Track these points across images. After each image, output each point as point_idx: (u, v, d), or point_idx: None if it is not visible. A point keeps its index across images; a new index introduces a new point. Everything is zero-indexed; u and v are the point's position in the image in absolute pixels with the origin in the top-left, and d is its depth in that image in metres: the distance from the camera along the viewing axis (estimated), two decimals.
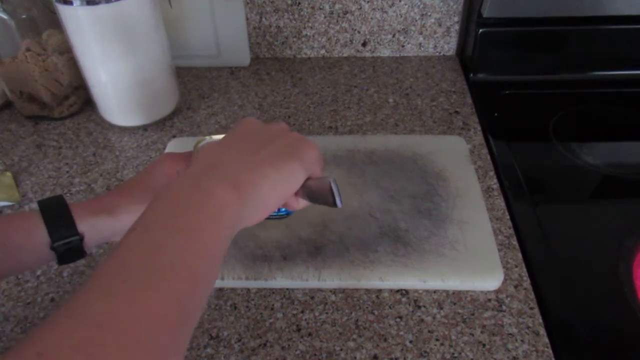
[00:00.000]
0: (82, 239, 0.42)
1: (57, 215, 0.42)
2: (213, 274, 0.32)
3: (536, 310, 0.49)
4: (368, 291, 0.51)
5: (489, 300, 0.50)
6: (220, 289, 0.52)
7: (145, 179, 0.47)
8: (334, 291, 0.51)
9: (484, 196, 0.60)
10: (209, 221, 0.31)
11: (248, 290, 0.52)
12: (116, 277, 0.27)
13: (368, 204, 0.58)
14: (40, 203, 0.43)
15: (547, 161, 0.68)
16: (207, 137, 0.51)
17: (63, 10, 0.64)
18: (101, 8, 0.63)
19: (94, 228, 0.43)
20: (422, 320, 0.48)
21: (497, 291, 0.51)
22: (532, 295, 0.50)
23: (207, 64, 0.90)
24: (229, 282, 0.52)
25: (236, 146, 0.37)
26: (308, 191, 0.39)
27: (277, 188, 0.36)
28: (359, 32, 0.88)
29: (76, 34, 0.66)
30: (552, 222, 0.58)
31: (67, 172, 0.68)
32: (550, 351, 0.45)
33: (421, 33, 0.88)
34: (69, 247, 0.42)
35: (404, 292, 0.51)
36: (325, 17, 0.87)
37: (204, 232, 0.31)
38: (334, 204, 0.38)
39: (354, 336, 0.47)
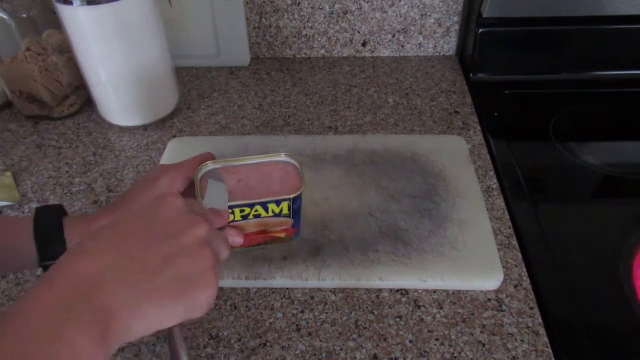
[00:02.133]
0: None
1: (49, 238, 0.42)
2: None
3: (536, 310, 0.49)
4: (368, 291, 0.51)
5: (489, 300, 0.50)
6: (221, 289, 0.52)
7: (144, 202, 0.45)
8: (334, 291, 0.51)
9: (484, 196, 0.60)
10: None
11: (248, 290, 0.52)
12: None
13: (368, 204, 0.58)
14: (36, 221, 0.43)
15: (547, 161, 0.68)
16: (210, 164, 0.49)
17: (63, 10, 0.64)
18: (101, 8, 0.63)
19: None
20: (422, 320, 0.48)
21: (497, 291, 0.51)
22: (532, 295, 0.50)
23: (207, 64, 0.90)
24: (229, 282, 0.52)
25: (133, 259, 0.32)
26: (168, 335, 0.35)
27: (150, 329, 0.31)
28: (359, 32, 0.88)
29: (76, 34, 0.66)
30: (552, 222, 0.58)
31: (67, 172, 0.68)
32: (550, 351, 0.45)
33: (421, 33, 0.88)
34: None
35: (404, 292, 0.51)
36: (325, 17, 0.87)
37: None
38: None
39: (354, 336, 0.47)
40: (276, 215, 0.47)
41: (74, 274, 0.30)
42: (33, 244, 0.42)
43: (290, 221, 0.49)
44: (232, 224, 0.46)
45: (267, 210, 0.46)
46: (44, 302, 0.28)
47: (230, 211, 0.45)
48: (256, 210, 0.46)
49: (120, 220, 0.34)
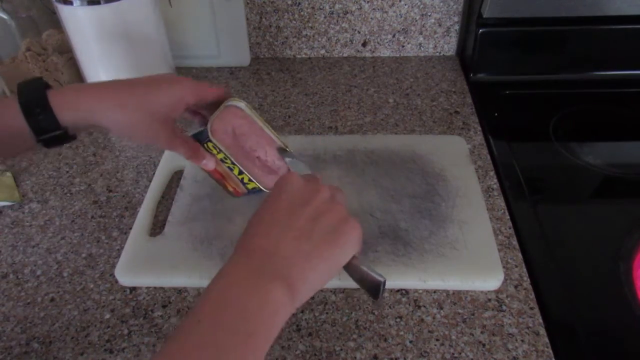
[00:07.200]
0: (65, 130, 0.45)
1: (38, 113, 0.44)
2: None
3: (536, 310, 0.49)
4: None
5: (489, 300, 0.50)
6: None
7: (146, 97, 0.47)
8: (334, 291, 0.51)
9: (484, 196, 0.60)
10: (266, 323, 0.34)
11: None
12: None
13: (368, 204, 0.58)
14: (20, 96, 0.45)
15: (547, 161, 0.68)
16: (243, 104, 0.51)
17: (63, 10, 0.64)
18: (101, 8, 0.63)
19: (75, 123, 0.46)
20: (422, 320, 0.48)
21: (497, 291, 0.51)
22: (532, 295, 0.50)
23: (207, 64, 0.90)
24: None
25: (291, 229, 0.38)
26: (349, 269, 0.41)
27: (323, 279, 0.39)
28: (359, 32, 0.88)
29: (76, 34, 0.66)
30: (552, 222, 0.58)
31: (67, 172, 0.68)
32: (550, 351, 0.45)
33: (421, 33, 0.88)
34: (54, 137, 0.45)
35: (404, 292, 0.51)
36: (325, 17, 0.87)
37: (260, 334, 0.34)
38: (375, 299, 0.41)
39: (354, 336, 0.47)
40: (242, 183, 0.52)
41: (252, 249, 0.37)
42: (22, 118, 0.44)
43: (245, 191, 0.54)
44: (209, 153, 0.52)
45: (241, 173, 0.50)
46: (237, 268, 0.36)
47: (217, 150, 0.50)
48: (233, 164, 0.50)
49: (260, 209, 0.40)
